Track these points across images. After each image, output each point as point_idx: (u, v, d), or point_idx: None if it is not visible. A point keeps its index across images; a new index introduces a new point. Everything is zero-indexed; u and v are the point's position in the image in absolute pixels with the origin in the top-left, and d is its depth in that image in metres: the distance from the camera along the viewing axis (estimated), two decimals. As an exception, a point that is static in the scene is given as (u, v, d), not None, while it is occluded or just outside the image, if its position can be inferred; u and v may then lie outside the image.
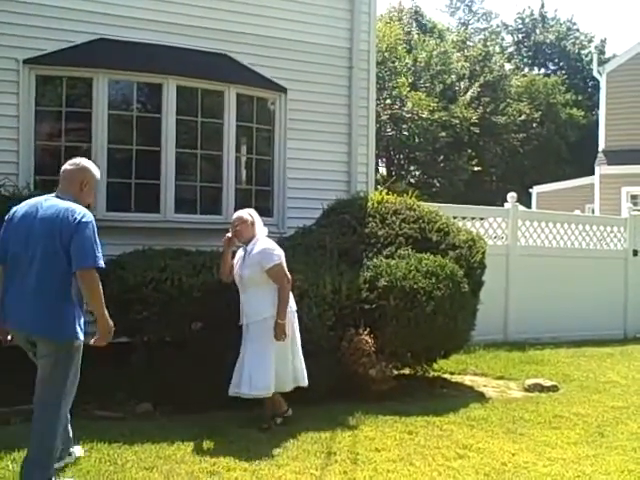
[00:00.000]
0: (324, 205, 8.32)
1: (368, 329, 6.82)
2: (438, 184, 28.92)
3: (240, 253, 6.14)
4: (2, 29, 7.56)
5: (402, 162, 29.81)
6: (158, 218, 7.97)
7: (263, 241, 6.08)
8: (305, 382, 6.09)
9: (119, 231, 7.66)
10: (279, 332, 5.80)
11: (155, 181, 8.12)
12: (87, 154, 7.81)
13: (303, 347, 6.17)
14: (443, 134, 27.50)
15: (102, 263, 4.41)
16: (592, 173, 21.36)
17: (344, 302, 6.88)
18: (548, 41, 41.68)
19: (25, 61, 7.65)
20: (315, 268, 6.88)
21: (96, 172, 4.88)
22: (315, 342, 6.41)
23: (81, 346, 4.55)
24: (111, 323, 4.55)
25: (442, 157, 28.82)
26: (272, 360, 5.81)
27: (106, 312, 4.53)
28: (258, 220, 6.17)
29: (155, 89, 8.21)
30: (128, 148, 8.09)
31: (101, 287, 4.47)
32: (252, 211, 6.25)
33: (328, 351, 6.63)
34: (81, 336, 4.50)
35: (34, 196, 6.54)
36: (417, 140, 27.68)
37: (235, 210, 7.25)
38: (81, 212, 4.45)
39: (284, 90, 8.98)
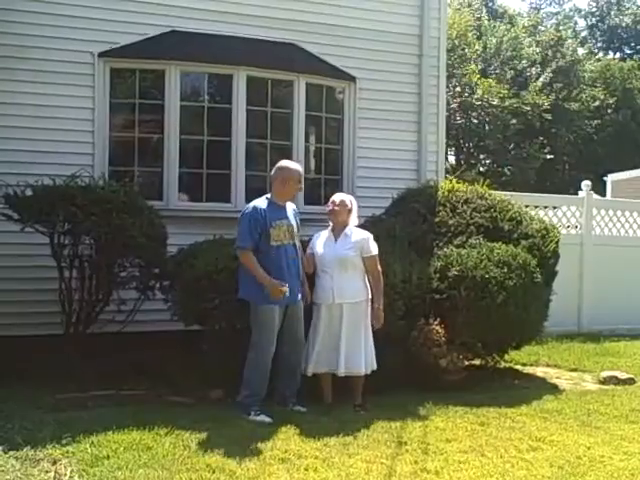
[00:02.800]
0: (394, 194, 8.29)
1: (438, 319, 6.78)
2: (509, 173, 28.45)
3: (325, 235, 6.29)
4: (77, 23, 7.75)
5: (472, 150, 29.43)
6: (229, 208, 8.08)
7: (360, 230, 6.39)
8: (374, 366, 6.26)
9: (191, 221, 7.84)
10: (380, 318, 6.17)
11: (226, 171, 8.24)
12: (159, 145, 8.04)
13: (374, 336, 6.23)
14: (514, 121, 27.03)
15: (242, 245, 5.91)
16: (670, 160, 20.70)
17: (414, 292, 6.85)
18: (624, 24, 40.54)
19: (100, 54, 7.83)
20: (385, 257, 6.84)
21: (294, 167, 6.14)
22: (385, 331, 6.40)
23: (263, 310, 5.90)
24: (274, 287, 5.83)
25: (513, 145, 28.33)
26: (365, 341, 6.19)
27: (267, 281, 5.83)
28: (355, 210, 6.40)
29: (225, 80, 8.31)
30: (199, 139, 8.22)
31: (252, 263, 5.87)
32: (353, 200, 6.47)
33: (398, 341, 6.62)
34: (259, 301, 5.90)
35: (110, 186, 6.78)
36: (487, 128, 27.30)
37: (304, 198, 7.32)
38: (248, 205, 6.08)
39: (353, 79, 8.97)
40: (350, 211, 6.34)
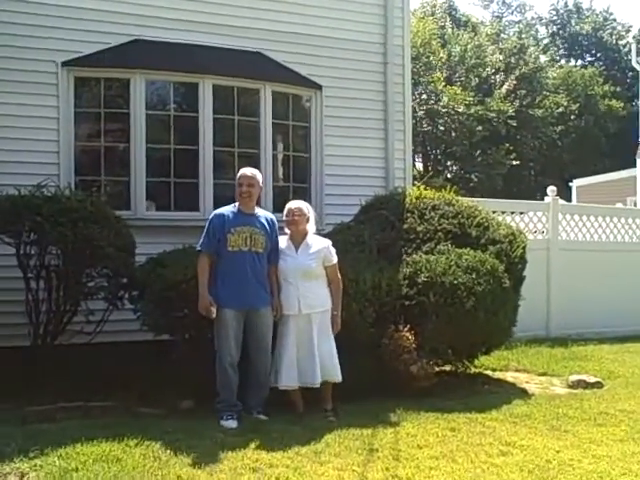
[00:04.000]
0: (362, 201, 8.32)
1: (408, 325, 6.80)
2: (476, 179, 28.70)
3: (284, 243, 6.30)
4: (40, 33, 7.70)
5: (439, 157, 29.65)
6: (197, 216, 8.05)
7: (320, 238, 6.42)
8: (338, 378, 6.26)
9: (159, 230, 7.81)
10: (338, 324, 6.22)
11: (193, 180, 8.23)
12: (125, 154, 7.99)
13: (344, 343, 6.24)
14: (480, 128, 27.29)
15: (198, 248, 6.12)
16: (633, 165, 21.02)
17: (384, 298, 6.87)
18: (584, 32, 41.15)
19: (63, 63, 7.78)
20: (354, 264, 6.88)
21: (241, 172, 6.28)
22: (355, 339, 6.41)
23: (220, 313, 6.03)
24: (203, 301, 5.99)
25: (479, 151, 28.59)
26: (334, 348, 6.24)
27: (201, 290, 5.98)
28: (313, 217, 6.43)
29: (192, 88, 8.30)
30: (166, 147, 8.20)
31: (201, 268, 6.05)
32: (310, 206, 6.51)
33: (369, 348, 6.63)
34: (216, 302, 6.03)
35: (76, 196, 6.72)
36: (454, 135, 27.52)
37: (273, 207, 7.32)
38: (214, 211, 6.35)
39: (319, 87, 9.01)
40: (308, 219, 6.35)
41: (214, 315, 5.96)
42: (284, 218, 6.36)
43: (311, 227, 6.36)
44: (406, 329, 6.76)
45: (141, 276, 6.62)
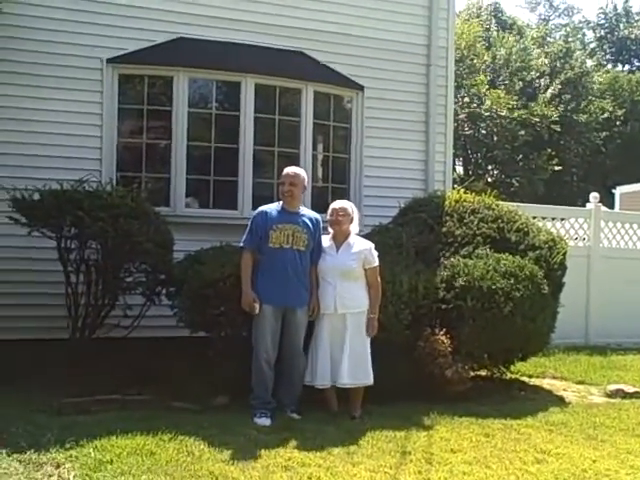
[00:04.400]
0: (401, 203, 8.32)
1: (445, 329, 6.78)
2: (517, 184, 28.39)
3: (326, 243, 6.35)
4: (86, 29, 7.82)
5: (480, 161, 29.42)
6: (235, 215, 8.12)
7: (362, 239, 6.44)
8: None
9: (197, 227, 7.88)
10: (374, 327, 6.20)
11: (233, 178, 8.28)
12: (167, 151, 8.08)
13: (379, 345, 6.26)
14: (522, 132, 27.01)
15: (241, 244, 6.21)
16: (679, 173, 20.66)
17: (421, 301, 6.86)
18: (633, 36, 40.52)
19: (108, 60, 7.89)
20: (392, 266, 6.88)
21: (285, 171, 6.34)
22: (391, 341, 6.41)
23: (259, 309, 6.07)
24: (246, 297, 6.06)
25: (521, 156, 28.29)
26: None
27: (244, 286, 6.07)
28: (356, 218, 6.45)
29: (233, 87, 8.36)
30: (207, 145, 8.26)
31: (244, 264, 6.13)
32: (354, 207, 6.53)
33: (404, 350, 6.63)
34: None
35: (117, 192, 6.83)
36: (495, 139, 27.28)
37: (311, 207, 7.35)
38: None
39: (361, 88, 9.01)
40: (352, 219, 6.38)
41: (257, 311, 6.01)
42: (327, 218, 6.40)
43: (354, 228, 6.40)
44: (442, 332, 6.74)
45: (179, 273, 6.68)
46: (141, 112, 8.10)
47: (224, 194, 8.30)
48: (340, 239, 6.32)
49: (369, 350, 6.22)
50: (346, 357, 6.11)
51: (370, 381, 6.21)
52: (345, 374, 6.11)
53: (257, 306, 5.99)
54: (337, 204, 6.43)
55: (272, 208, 6.28)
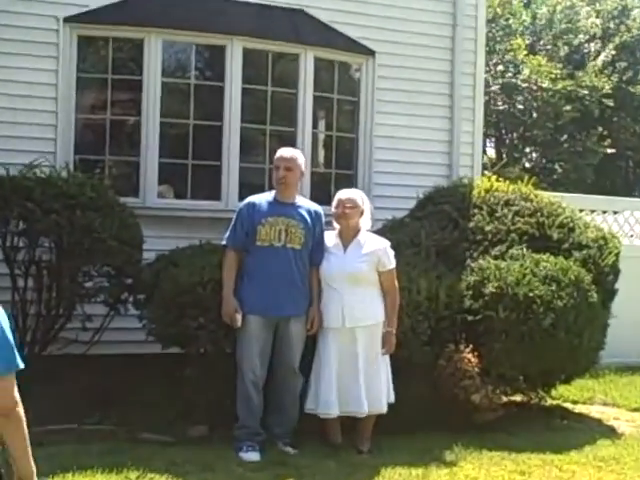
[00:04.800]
0: (419, 193, 8.31)
1: (471, 345, 6.78)
2: (560, 170, 28.39)
3: (331, 241, 6.32)
4: (38, -19, 7.80)
5: (516, 142, 29.42)
6: (218, 206, 8.14)
7: (375, 237, 6.43)
8: (392, 398, 6.30)
9: (172, 221, 7.89)
10: (391, 344, 6.19)
11: (215, 162, 8.29)
12: (135, 130, 8.08)
13: (392, 364, 6.28)
14: (568, 108, 26.98)
15: (223, 242, 6.21)
16: None
17: (442, 312, 6.86)
18: (703, -8, 40.50)
19: (66, 19, 7.86)
20: (407, 270, 6.87)
21: (278, 153, 6.33)
22: (406, 359, 6.41)
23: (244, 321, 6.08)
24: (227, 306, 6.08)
25: (566, 136, 28.28)
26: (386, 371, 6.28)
27: (226, 292, 6.12)
28: (368, 211, 6.43)
29: (217, 52, 8.37)
30: (184, 123, 8.27)
31: (226, 266, 6.17)
32: (365, 197, 6.51)
33: (422, 370, 6.64)
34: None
35: (75, 179, 6.83)
36: (535, 115, 27.29)
37: (310, 197, 7.34)
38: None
39: (372, 53, 9.01)
40: (362, 212, 6.36)
41: (239, 323, 6.01)
42: (333, 210, 6.37)
43: (365, 222, 6.37)
44: (468, 349, 6.75)
45: (149, 277, 6.69)
46: (105, 82, 8.09)
47: (205, 182, 8.32)
48: (348, 236, 6.30)
49: (385, 371, 6.23)
50: (358, 381, 6.10)
51: (383, 409, 6.21)
52: (357, 401, 6.10)
53: (239, 317, 5.99)
54: (344, 194, 6.41)
55: (262, 198, 6.28)
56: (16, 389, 2.69)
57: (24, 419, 2.74)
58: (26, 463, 2.79)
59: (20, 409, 2.70)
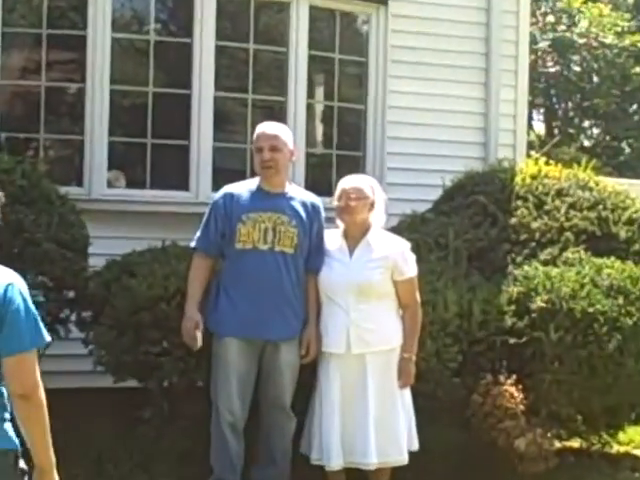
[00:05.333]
0: (445, 181, 8.33)
1: (514, 376, 6.79)
2: (629, 149, 28.45)
3: (334, 243, 6.31)
4: None
5: (571, 114, 29.47)
6: (187, 198, 8.20)
7: (390, 236, 6.43)
8: (416, 445, 6.29)
9: (126, 218, 7.89)
10: (410, 374, 6.17)
11: (182, 141, 8.33)
12: (78, 100, 8.09)
13: (412, 401, 6.29)
14: (638, 70, 27.07)
15: (193, 244, 6.25)
16: None
17: (476, 333, 6.87)
18: None
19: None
20: (431, 279, 6.89)
21: (259, 129, 6.33)
22: (431, 394, 6.44)
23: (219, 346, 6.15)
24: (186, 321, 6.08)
25: (635, 106, 28.36)
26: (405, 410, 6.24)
27: (188, 304, 6.13)
28: (382, 203, 6.38)
29: (183, 1, 8.37)
30: (141, 91, 8.29)
31: (193, 274, 6.19)
32: (376, 185, 6.46)
33: (450, 408, 6.66)
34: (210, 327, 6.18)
35: (1, 162, 6.84)
36: (596, 80, 27.34)
37: (305, 186, 7.35)
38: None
39: (384, 1, 9.04)
40: (373, 205, 6.33)
41: (199, 344, 5.99)
42: (334, 203, 6.33)
43: (377, 218, 6.34)
44: (510, 381, 6.75)
45: (97, 289, 6.69)
46: (39, 39, 8.10)
47: (169, 167, 8.36)
48: (355, 236, 6.28)
49: (404, 410, 6.21)
50: (366, 422, 6.07)
51: (404, 459, 6.19)
52: (368, 449, 6.05)
53: (199, 337, 6.00)
54: (349, 181, 6.37)
55: (243, 188, 6.27)
56: (38, 369, 3.18)
57: (45, 404, 3.19)
58: (46, 453, 3.23)
59: (41, 392, 3.18)
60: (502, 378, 6.77)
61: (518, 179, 8.17)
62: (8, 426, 3.24)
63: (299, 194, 6.38)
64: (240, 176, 6.56)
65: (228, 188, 6.32)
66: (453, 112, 9.27)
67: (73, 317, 6.95)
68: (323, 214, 6.37)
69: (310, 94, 8.83)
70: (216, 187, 7.52)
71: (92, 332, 6.74)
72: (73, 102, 8.18)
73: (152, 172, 8.31)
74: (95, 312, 6.71)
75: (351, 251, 6.26)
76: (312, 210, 6.29)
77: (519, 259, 7.54)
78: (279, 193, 6.24)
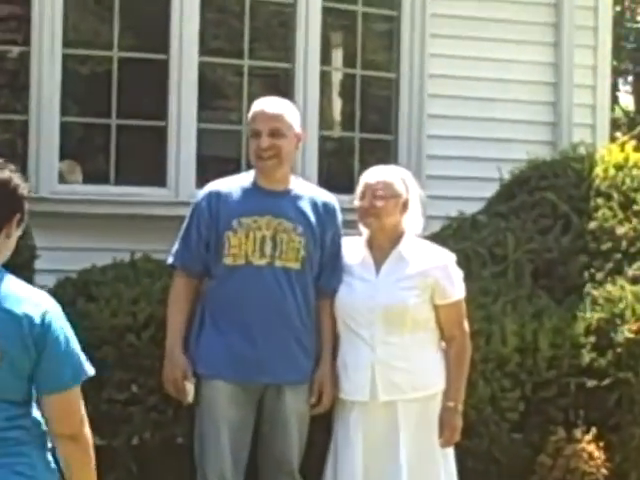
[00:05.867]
0: (503, 173, 8.32)
1: (595, 430, 6.78)
2: None
3: (357, 254, 6.23)
4: None
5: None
6: (163, 197, 8.21)
7: (429, 246, 6.33)
8: None
9: (84, 222, 7.90)
10: (456, 428, 6.05)
11: (158, 122, 8.35)
12: (21, 67, 8.09)
13: (458, 462, 6.22)
14: None
15: (170, 260, 6.19)
16: None
17: (544, 373, 6.87)
18: None
19: None
20: (485, 302, 6.89)
21: (256, 105, 6.25)
22: (483, 454, 6.43)
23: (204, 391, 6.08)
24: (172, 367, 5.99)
25: None
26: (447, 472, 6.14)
27: (169, 343, 6.05)
28: (416, 200, 6.28)
29: None
30: (104, 56, 8.30)
31: (173, 300, 6.11)
32: (410, 178, 6.36)
33: (509, 473, 6.65)
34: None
35: None
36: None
37: (318, 180, 7.33)
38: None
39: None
40: (406, 204, 6.30)
41: (190, 397, 5.99)
42: (356, 203, 6.29)
43: (412, 222, 6.25)
44: (589, 437, 6.74)
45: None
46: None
47: (139, 155, 8.37)
48: (383, 246, 6.22)
49: (447, 473, 6.13)
50: None
51: None
52: None
53: (190, 387, 5.98)
54: (374, 174, 6.31)
55: (233, 185, 6.17)
56: (82, 405, 3.49)
57: (91, 444, 3.48)
58: None
59: (87, 430, 3.47)
60: (578, 433, 6.77)
61: (599, 170, 8.16)
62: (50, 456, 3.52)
63: (307, 191, 6.28)
64: (233, 168, 6.50)
65: (214, 185, 6.21)
66: (512, 82, 9.27)
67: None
68: (340, 217, 6.30)
69: (325, 59, 8.82)
70: (201, 183, 7.52)
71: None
72: (14, 70, 8.17)
73: (118, 163, 8.30)
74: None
75: (378, 266, 6.19)
76: (324, 212, 6.20)
77: (600, 275, 7.53)
78: (281, 191, 6.16)
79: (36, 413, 3.49)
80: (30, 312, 3.42)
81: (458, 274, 6.19)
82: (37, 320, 3.40)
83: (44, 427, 3.49)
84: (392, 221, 6.18)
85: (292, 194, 6.15)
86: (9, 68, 8.25)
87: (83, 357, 3.52)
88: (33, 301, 3.49)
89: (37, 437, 3.49)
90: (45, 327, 3.40)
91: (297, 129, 6.15)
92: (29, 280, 6.91)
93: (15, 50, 8.21)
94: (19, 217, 3.64)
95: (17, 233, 3.71)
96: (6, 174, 3.64)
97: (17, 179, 3.66)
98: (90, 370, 3.53)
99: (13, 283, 3.59)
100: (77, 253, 7.29)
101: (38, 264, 7.11)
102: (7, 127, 8.25)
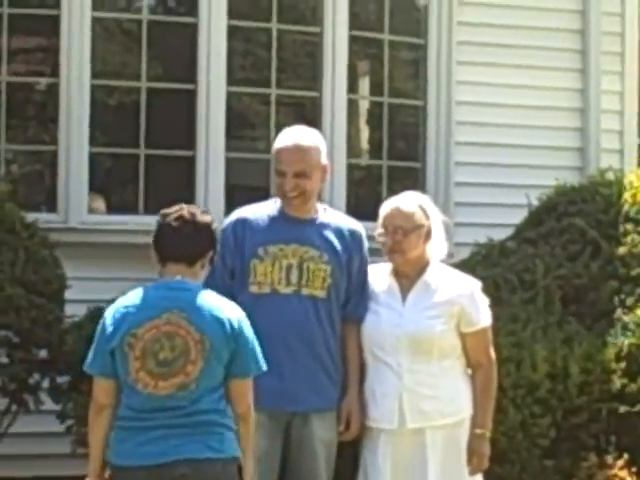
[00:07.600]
0: (531, 199, 8.32)
1: (626, 456, 6.76)
2: None
3: (382, 283, 6.19)
4: None
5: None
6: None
7: (455, 273, 6.26)
8: None
9: (114, 253, 7.90)
10: (482, 455, 6.00)
11: (186, 152, 8.37)
12: (50, 97, 8.14)
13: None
14: None
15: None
16: None
17: (574, 399, 6.85)
18: None
19: None
20: (514, 329, 6.88)
21: (280, 141, 6.03)
22: (515, 479, 6.40)
23: None
24: None
25: None
26: None
27: None
28: (438, 226, 6.19)
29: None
30: (132, 87, 8.34)
31: None
32: (428, 204, 6.22)
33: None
34: None
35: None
36: None
37: (347, 208, 7.34)
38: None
39: (447, -36, 9.10)
40: (429, 233, 6.27)
41: None
42: (377, 233, 6.27)
43: (436, 249, 6.21)
44: (621, 462, 6.72)
45: (77, 346, 6.69)
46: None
47: (168, 185, 8.36)
48: (409, 274, 6.18)
49: None
50: None
51: None
52: None
53: None
54: (391, 206, 6.23)
55: (259, 212, 6.07)
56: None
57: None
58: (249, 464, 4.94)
59: (254, 414, 4.93)
60: (610, 459, 6.75)
61: (627, 195, 8.15)
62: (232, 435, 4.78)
63: (334, 219, 6.20)
64: (261, 196, 6.49)
65: (240, 212, 6.13)
66: (539, 108, 9.26)
67: (45, 383, 6.96)
68: (367, 245, 6.28)
69: (352, 87, 8.84)
70: (230, 210, 7.55)
71: (70, 403, 6.75)
72: (42, 102, 8.21)
73: (146, 192, 8.33)
74: (74, 377, 6.71)
75: (404, 294, 6.15)
76: (351, 240, 6.15)
77: (630, 301, 7.52)
78: (307, 219, 6.11)
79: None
80: (230, 317, 4.77)
81: (484, 301, 6.14)
82: (235, 323, 4.76)
83: (230, 412, 4.73)
84: (417, 253, 6.13)
85: (318, 222, 6.10)
86: (37, 99, 8.31)
87: (260, 355, 4.86)
88: (230, 309, 4.84)
89: (226, 418, 4.72)
90: (239, 328, 4.77)
91: (323, 161, 6.04)
92: (60, 310, 6.98)
93: (43, 82, 8.26)
94: (212, 254, 4.96)
95: (207, 267, 5.08)
96: (209, 218, 4.86)
97: (215, 223, 4.89)
98: (264, 366, 4.86)
99: (212, 296, 4.90)
100: (107, 283, 7.28)
101: (68, 294, 7.13)
102: (36, 158, 8.29)
